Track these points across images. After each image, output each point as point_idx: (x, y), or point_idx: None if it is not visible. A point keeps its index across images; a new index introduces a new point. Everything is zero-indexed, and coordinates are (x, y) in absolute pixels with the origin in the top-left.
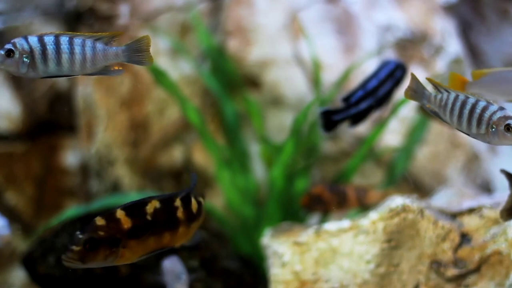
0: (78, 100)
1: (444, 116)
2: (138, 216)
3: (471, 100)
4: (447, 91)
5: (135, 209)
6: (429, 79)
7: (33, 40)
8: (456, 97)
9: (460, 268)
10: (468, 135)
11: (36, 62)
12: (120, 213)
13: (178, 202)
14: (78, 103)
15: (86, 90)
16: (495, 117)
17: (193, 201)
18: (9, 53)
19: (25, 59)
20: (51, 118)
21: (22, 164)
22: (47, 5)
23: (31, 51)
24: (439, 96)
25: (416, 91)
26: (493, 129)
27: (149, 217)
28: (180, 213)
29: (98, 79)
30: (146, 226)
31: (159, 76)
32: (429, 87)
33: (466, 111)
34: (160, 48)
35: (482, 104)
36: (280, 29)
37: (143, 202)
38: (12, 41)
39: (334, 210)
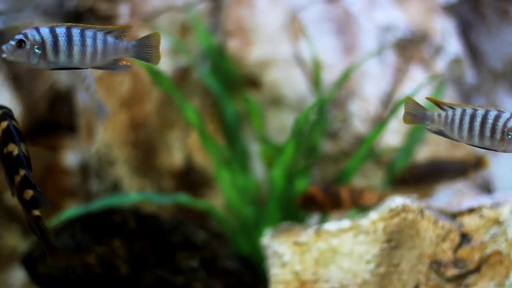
0: (78, 100)
1: (452, 133)
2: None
3: (481, 112)
4: (451, 107)
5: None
6: (429, 99)
7: (45, 31)
8: (463, 111)
9: (460, 268)
10: (481, 148)
11: (47, 53)
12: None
13: (22, 173)
14: (78, 103)
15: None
16: (510, 124)
17: (30, 191)
18: (20, 43)
19: (36, 50)
20: (51, 118)
21: None
22: (47, 5)
23: (42, 42)
24: (443, 114)
25: (415, 115)
26: (509, 136)
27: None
28: (17, 176)
29: (99, 79)
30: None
31: (158, 77)
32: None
33: (477, 123)
34: (160, 48)
35: (493, 113)
36: (280, 29)
37: (15, 131)
38: (23, 31)
39: (328, 211)
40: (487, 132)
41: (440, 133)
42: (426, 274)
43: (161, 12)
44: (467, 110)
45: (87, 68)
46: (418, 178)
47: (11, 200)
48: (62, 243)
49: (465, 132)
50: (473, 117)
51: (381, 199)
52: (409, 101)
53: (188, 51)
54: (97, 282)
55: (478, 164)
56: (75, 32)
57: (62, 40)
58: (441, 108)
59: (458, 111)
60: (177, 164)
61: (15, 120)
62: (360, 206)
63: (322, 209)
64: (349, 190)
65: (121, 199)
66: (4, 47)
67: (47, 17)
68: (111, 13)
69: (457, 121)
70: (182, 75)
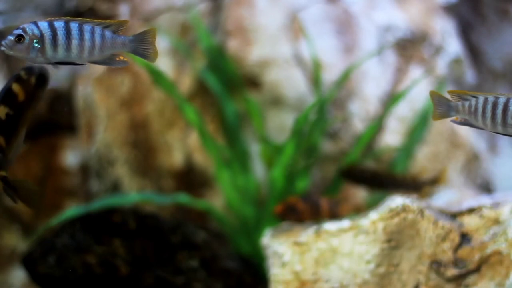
0: (78, 100)
1: (476, 122)
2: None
3: (502, 100)
4: (474, 96)
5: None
6: (451, 92)
7: (44, 25)
8: (486, 99)
9: (460, 268)
10: (505, 135)
11: (45, 47)
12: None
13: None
14: (78, 103)
15: (86, 90)
16: None
17: None
18: (19, 38)
19: (35, 44)
20: (51, 118)
21: (22, 164)
22: (47, 5)
23: (41, 37)
24: (467, 103)
25: (441, 108)
26: None
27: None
28: None
29: (98, 79)
30: None
31: (157, 77)
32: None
33: (499, 111)
34: (160, 48)
35: None
36: (280, 29)
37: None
38: (21, 26)
39: (306, 220)
40: (509, 120)
41: (465, 123)
42: (426, 274)
43: (161, 12)
44: (489, 98)
45: (85, 62)
46: (360, 180)
47: (11, 200)
48: (62, 243)
49: (488, 120)
50: (495, 105)
51: (356, 210)
52: (434, 95)
53: (188, 51)
54: (97, 282)
55: (434, 181)
56: (74, 26)
57: (60, 34)
58: (465, 99)
59: (481, 100)
60: (177, 164)
61: (24, 83)
62: (336, 216)
63: (301, 218)
64: (328, 201)
65: (121, 199)
66: (3, 42)
67: (47, 17)
68: (111, 13)
69: (480, 109)
70: (183, 74)
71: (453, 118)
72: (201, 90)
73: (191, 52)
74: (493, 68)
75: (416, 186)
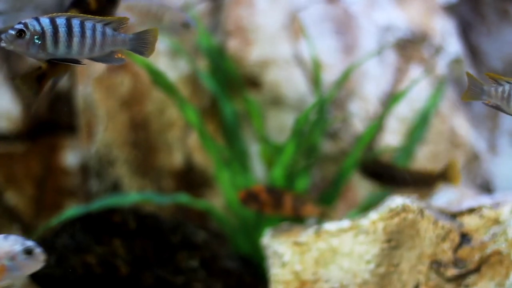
0: (78, 100)
1: (508, 108)
2: None
3: None
4: (508, 82)
5: None
6: (488, 74)
7: (45, 21)
8: None
9: (460, 268)
10: None
11: (46, 43)
12: None
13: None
14: (78, 103)
15: (86, 90)
16: None
17: None
18: (20, 33)
19: (36, 40)
20: (51, 118)
21: (22, 164)
22: (47, 5)
23: (42, 33)
24: (500, 88)
25: (474, 90)
26: None
27: None
28: None
29: (98, 79)
30: None
31: (157, 77)
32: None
33: None
34: (159, 48)
35: None
36: (280, 29)
37: None
38: (23, 21)
39: (268, 212)
40: None
41: (497, 107)
42: (426, 274)
43: None
44: None
45: (84, 59)
46: (376, 176)
47: (11, 199)
48: (62, 243)
49: None
50: None
51: (321, 214)
52: (469, 77)
53: (186, 52)
54: (97, 282)
55: (445, 177)
56: (75, 23)
57: (62, 31)
58: (499, 83)
59: None
60: (177, 164)
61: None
62: (299, 215)
63: (262, 209)
64: (293, 197)
65: (121, 199)
66: (3, 36)
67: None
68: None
69: None
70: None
71: (485, 101)
72: (200, 90)
73: (191, 52)
74: (493, 68)
75: (427, 182)
